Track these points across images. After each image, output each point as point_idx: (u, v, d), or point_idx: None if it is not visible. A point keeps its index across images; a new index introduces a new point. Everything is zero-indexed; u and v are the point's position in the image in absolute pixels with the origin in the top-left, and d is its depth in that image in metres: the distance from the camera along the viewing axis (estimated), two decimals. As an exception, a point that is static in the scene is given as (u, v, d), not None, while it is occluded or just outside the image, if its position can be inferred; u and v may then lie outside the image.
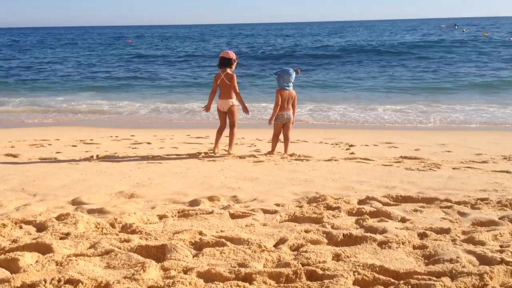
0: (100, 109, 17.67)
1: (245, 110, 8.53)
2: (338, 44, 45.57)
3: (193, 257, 3.59)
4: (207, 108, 8.68)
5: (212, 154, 8.28)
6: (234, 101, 8.40)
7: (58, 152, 8.72)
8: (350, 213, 4.73)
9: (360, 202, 5.13)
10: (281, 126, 8.46)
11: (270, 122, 8.41)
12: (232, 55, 8.44)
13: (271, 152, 8.47)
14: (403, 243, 3.82)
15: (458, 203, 5.04)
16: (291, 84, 8.40)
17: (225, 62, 8.34)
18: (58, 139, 10.46)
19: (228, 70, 8.32)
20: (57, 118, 16.20)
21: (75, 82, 25.59)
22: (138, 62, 36.28)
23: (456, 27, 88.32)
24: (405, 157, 7.92)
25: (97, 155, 8.30)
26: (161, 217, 4.69)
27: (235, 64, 8.44)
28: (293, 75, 8.38)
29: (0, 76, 28.43)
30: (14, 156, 8.28)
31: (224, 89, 8.35)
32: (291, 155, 8.23)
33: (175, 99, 19.37)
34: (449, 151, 8.65)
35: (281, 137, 8.63)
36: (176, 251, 3.60)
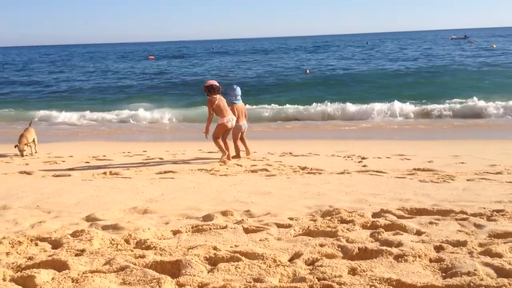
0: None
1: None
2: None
3: (208, 272, 3.58)
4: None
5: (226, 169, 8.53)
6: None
7: (72, 169, 8.78)
8: (364, 226, 4.70)
9: (375, 215, 5.09)
10: (238, 134, 9.74)
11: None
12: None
13: (237, 156, 9.71)
14: (419, 256, 3.78)
15: (474, 215, 4.98)
16: (239, 97, 9.71)
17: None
18: (71, 156, 10.54)
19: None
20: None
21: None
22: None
23: (466, 38, 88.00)
24: (419, 169, 7.87)
25: (110, 171, 8.35)
26: (175, 232, 4.69)
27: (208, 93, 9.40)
28: (238, 89, 9.72)
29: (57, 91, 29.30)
30: (28, 173, 8.36)
31: None
32: (303, 169, 8.22)
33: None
34: (462, 163, 8.58)
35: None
36: (191, 267, 3.60)
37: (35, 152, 11.11)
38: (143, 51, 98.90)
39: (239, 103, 9.71)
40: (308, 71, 31.84)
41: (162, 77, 36.63)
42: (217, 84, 9.49)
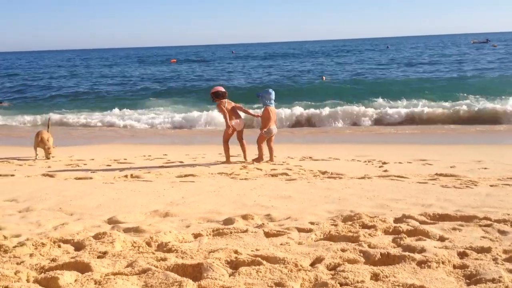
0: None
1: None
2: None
3: (230, 276, 3.58)
4: None
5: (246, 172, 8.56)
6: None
7: (93, 172, 8.87)
8: (386, 231, 4.65)
9: (396, 220, 5.04)
10: (266, 138, 9.74)
11: (262, 131, 9.69)
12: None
13: (259, 159, 9.69)
14: (443, 263, 3.74)
15: (498, 221, 4.90)
16: (272, 101, 9.73)
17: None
18: (93, 159, 10.65)
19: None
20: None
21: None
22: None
23: (487, 41, 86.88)
24: (441, 174, 7.78)
25: (131, 175, 8.41)
26: (196, 235, 4.70)
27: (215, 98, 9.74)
28: (273, 93, 9.72)
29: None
30: (51, 176, 8.46)
31: None
32: (323, 173, 8.20)
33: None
34: (485, 168, 8.46)
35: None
36: (213, 270, 3.60)
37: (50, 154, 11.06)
38: (162, 55, 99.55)
39: (272, 107, 9.74)
40: (324, 78, 31.23)
41: (184, 79, 36.85)
42: (223, 90, 9.84)
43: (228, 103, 9.77)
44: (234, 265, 3.79)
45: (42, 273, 3.64)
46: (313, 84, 28.95)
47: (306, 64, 50.91)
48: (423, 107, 19.32)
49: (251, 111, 10.62)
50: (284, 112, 19.76)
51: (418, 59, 50.22)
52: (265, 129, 9.61)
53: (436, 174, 7.87)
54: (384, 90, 24.41)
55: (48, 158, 10.81)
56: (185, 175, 8.31)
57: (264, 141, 9.76)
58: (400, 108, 19.23)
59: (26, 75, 47.94)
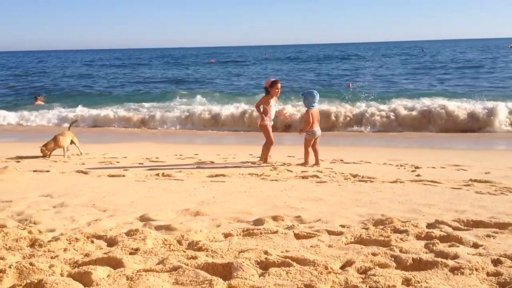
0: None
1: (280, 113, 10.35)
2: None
3: (259, 276, 3.59)
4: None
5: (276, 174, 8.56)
6: (260, 121, 9.86)
7: (126, 169, 9.00)
8: (418, 237, 4.59)
9: (429, 226, 4.97)
10: (312, 141, 9.58)
11: (301, 133, 9.77)
12: (266, 83, 9.91)
13: (305, 164, 9.55)
14: (476, 270, 3.67)
15: (534, 229, 4.79)
16: (315, 104, 9.62)
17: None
18: (125, 157, 10.80)
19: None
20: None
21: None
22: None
23: None
24: (475, 180, 7.63)
25: (163, 173, 8.51)
26: (226, 235, 4.72)
27: (270, 90, 9.72)
28: (317, 96, 9.63)
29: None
30: (85, 173, 8.62)
31: None
32: (354, 176, 8.14)
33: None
34: (521, 175, 8.27)
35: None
36: (243, 270, 3.61)
37: (80, 154, 11.24)
38: (197, 55, 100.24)
39: (315, 109, 9.66)
40: (351, 84, 29.87)
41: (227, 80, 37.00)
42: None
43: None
44: (264, 266, 3.80)
45: (76, 268, 3.71)
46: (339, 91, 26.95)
47: (342, 66, 50.42)
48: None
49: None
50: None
51: (473, 62, 48.15)
52: (308, 131, 9.54)
53: (471, 180, 7.72)
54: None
55: (67, 156, 10.96)
56: (216, 175, 8.36)
57: (310, 144, 9.62)
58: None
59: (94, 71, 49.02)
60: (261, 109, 9.76)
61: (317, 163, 9.57)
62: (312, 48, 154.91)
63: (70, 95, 29.63)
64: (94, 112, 21.35)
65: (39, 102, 25.74)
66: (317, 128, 9.67)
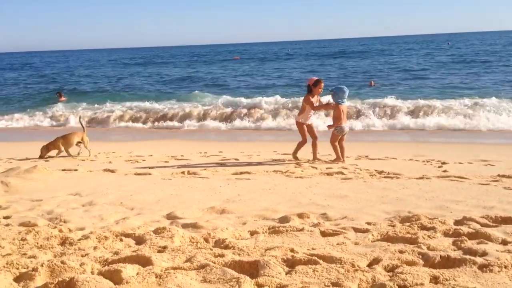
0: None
1: (328, 106, 10.11)
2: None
3: (286, 274, 3.60)
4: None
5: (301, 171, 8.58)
6: (297, 117, 10.00)
7: (152, 168, 9.10)
8: (446, 234, 4.54)
9: (457, 222, 4.91)
10: (339, 136, 9.56)
11: (330, 128, 9.72)
12: (310, 81, 9.81)
13: (338, 159, 9.54)
14: (505, 267, 3.62)
15: None
16: (345, 99, 9.56)
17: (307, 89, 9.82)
18: (151, 155, 10.93)
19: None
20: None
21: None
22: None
23: None
24: (503, 176, 7.52)
25: (188, 171, 8.58)
26: (252, 233, 4.75)
27: (313, 88, 9.63)
28: (347, 92, 9.57)
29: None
30: (112, 171, 8.75)
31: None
32: (380, 173, 8.10)
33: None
34: (551, 170, 8.11)
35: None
36: (269, 268, 3.63)
37: (89, 156, 11.04)
38: (220, 52, 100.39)
39: (344, 105, 9.61)
40: (373, 82, 28.70)
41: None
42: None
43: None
44: (291, 264, 3.81)
45: (106, 266, 3.77)
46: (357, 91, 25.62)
47: (363, 61, 49.77)
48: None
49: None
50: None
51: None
52: (337, 127, 9.50)
53: (499, 175, 7.61)
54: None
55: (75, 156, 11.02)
56: (241, 173, 8.40)
57: (337, 140, 9.58)
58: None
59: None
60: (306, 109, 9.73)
61: (342, 159, 9.54)
62: (329, 43, 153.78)
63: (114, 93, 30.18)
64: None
65: (63, 98, 26.32)
66: (345, 124, 9.65)
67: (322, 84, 9.68)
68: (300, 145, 9.88)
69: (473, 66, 38.13)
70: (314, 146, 9.87)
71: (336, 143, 9.56)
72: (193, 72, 45.74)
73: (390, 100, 19.51)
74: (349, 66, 44.65)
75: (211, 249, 4.19)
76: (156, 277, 3.48)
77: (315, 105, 9.69)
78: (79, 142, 11.13)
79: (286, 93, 24.07)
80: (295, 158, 9.82)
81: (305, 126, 9.82)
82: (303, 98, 9.91)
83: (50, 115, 22.25)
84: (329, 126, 9.80)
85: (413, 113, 17.98)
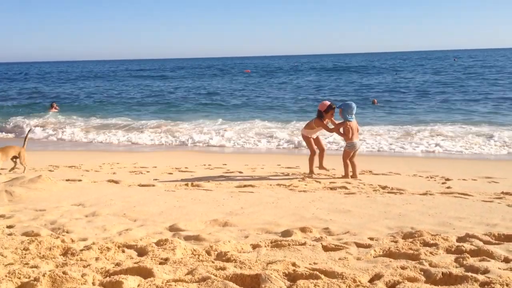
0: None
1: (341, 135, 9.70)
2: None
3: (287, 288, 3.60)
4: None
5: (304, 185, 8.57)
6: (303, 130, 10.00)
7: (156, 179, 9.12)
8: (448, 250, 4.53)
9: (459, 239, 4.90)
10: (351, 153, 9.43)
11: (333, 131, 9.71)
12: (321, 106, 9.70)
13: (346, 177, 9.39)
14: (507, 285, 3.60)
15: None
16: (353, 116, 9.43)
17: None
18: (155, 167, 10.95)
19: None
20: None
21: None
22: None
23: None
24: (507, 193, 7.49)
25: (192, 183, 8.60)
26: (254, 246, 4.75)
27: (325, 114, 9.60)
28: (355, 108, 9.42)
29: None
30: (116, 182, 8.77)
31: None
32: (383, 188, 8.09)
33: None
34: (556, 188, 8.08)
35: None
36: (271, 282, 3.63)
37: (23, 172, 9.96)
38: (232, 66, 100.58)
39: (353, 122, 9.46)
40: (376, 101, 28.08)
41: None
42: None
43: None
44: (292, 278, 3.81)
45: (107, 277, 3.78)
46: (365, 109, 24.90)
47: (370, 78, 49.53)
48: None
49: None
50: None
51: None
52: (348, 144, 9.42)
53: (503, 192, 7.60)
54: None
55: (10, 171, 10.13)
56: (244, 185, 8.41)
57: (349, 156, 9.45)
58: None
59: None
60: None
61: (354, 175, 9.41)
62: (327, 58, 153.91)
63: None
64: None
65: (55, 109, 26.50)
66: (357, 141, 9.53)
67: (334, 112, 9.59)
68: (311, 159, 9.82)
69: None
70: (321, 157, 9.90)
71: (348, 161, 9.45)
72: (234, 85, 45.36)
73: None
74: (357, 81, 44.58)
75: (212, 262, 4.19)
76: (157, 289, 3.49)
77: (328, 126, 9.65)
78: (15, 157, 10.18)
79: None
80: (312, 172, 9.79)
81: (311, 139, 9.84)
82: (313, 120, 9.77)
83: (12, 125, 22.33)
84: (330, 130, 9.75)
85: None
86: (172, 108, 28.53)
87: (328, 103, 9.68)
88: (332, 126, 9.82)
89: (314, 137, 9.91)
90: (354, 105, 9.48)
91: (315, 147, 9.87)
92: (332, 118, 9.77)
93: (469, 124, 18.58)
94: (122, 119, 22.97)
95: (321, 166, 9.90)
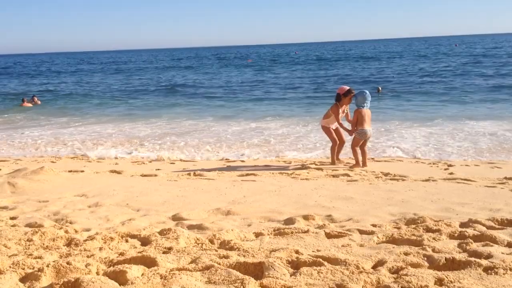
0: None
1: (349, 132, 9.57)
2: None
3: (291, 276, 3.60)
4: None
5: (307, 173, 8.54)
6: (322, 121, 9.74)
7: (158, 169, 9.13)
8: (451, 236, 4.53)
9: (462, 225, 4.90)
10: (361, 141, 9.26)
11: (351, 134, 9.43)
12: (340, 90, 9.52)
13: (357, 165, 9.21)
14: (510, 270, 3.60)
15: None
16: (366, 104, 9.28)
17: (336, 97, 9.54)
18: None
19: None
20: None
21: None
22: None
23: None
24: (510, 178, 7.49)
25: (194, 173, 8.60)
26: (257, 234, 4.75)
27: (343, 98, 9.42)
28: (368, 96, 9.28)
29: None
30: (118, 172, 8.78)
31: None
32: (386, 175, 8.08)
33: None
34: (559, 172, 8.07)
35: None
36: (274, 269, 3.63)
37: None
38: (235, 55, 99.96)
39: (365, 109, 9.29)
40: (380, 88, 27.55)
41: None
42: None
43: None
44: (295, 265, 3.81)
45: (111, 266, 3.79)
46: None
47: (373, 65, 49.08)
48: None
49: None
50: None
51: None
52: (359, 131, 9.20)
53: (505, 177, 7.59)
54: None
55: None
56: (247, 174, 8.42)
57: (359, 144, 9.26)
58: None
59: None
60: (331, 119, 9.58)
61: (364, 164, 9.25)
62: (331, 45, 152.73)
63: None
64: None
65: (27, 104, 24.69)
66: (368, 128, 9.30)
67: (352, 95, 9.35)
68: (333, 149, 9.62)
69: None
70: (339, 148, 9.72)
71: (357, 148, 9.27)
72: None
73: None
74: (362, 69, 44.01)
75: (216, 250, 4.19)
76: (161, 278, 3.50)
77: (340, 116, 9.42)
78: None
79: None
80: (334, 163, 9.62)
81: (331, 129, 9.61)
82: (330, 108, 9.59)
83: None
84: (349, 132, 9.45)
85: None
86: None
87: (347, 87, 9.50)
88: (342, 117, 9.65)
89: (334, 128, 9.64)
90: (367, 93, 9.29)
91: (336, 137, 9.65)
92: (348, 108, 9.64)
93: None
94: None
95: (337, 158, 9.71)
